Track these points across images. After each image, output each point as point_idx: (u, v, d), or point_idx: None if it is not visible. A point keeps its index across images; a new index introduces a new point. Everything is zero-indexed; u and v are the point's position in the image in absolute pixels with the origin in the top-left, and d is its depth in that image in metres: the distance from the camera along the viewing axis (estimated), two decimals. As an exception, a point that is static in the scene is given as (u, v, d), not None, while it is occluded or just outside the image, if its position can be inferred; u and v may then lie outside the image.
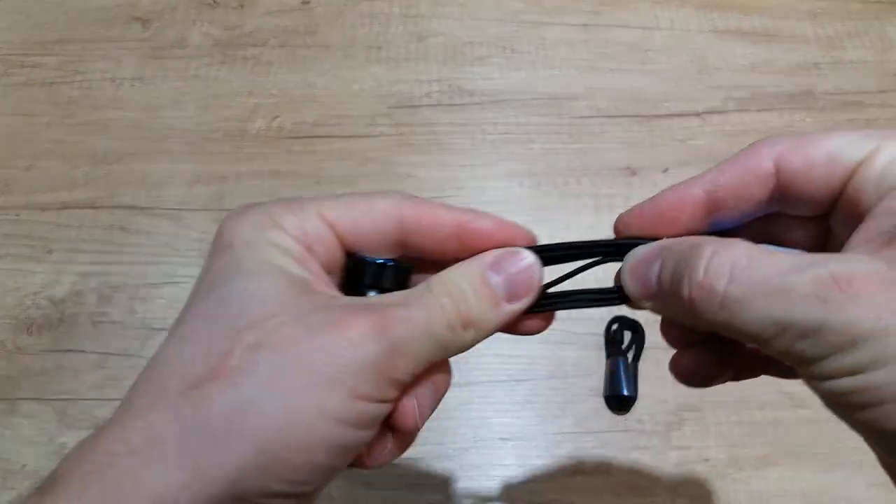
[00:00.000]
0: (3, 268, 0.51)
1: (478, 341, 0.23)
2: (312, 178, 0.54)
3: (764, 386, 0.47)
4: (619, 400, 0.46)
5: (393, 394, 0.21)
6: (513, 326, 0.24)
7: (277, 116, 0.57)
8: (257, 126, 0.57)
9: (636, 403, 0.46)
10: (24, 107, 0.58)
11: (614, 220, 0.24)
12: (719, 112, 0.58)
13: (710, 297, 0.19)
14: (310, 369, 0.19)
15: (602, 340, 0.48)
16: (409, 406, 0.22)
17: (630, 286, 0.23)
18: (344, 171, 0.55)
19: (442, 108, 0.58)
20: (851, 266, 0.18)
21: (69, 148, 0.56)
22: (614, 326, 0.49)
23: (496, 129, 0.57)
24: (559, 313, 0.25)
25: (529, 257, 0.23)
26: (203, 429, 0.18)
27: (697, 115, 0.58)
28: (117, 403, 0.20)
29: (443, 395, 0.24)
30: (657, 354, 0.48)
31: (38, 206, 0.53)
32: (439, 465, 0.44)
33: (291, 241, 0.22)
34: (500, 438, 0.45)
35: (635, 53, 0.61)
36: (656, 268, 0.22)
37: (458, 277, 0.22)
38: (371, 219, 0.23)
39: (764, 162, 0.22)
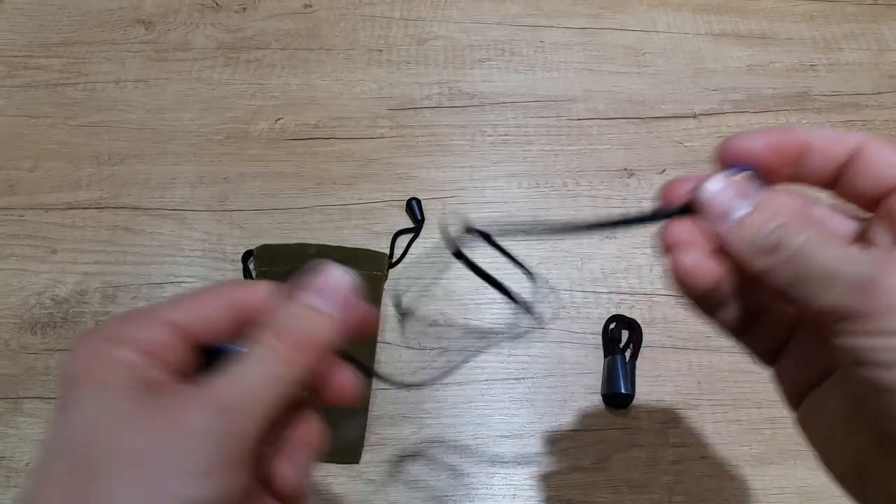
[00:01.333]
0: (7, 268, 0.51)
1: (323, 357, 0.23)
2: (314, 179, 0.55)
3: (761, 384, 0.47)
4: (617, 397, 0.47)
5: (245, 456, 0.21)
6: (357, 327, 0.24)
7: (280, 118, 0.58)
8: (260, 128, 0.57)
9: (634, 401, 0.47)
10: (28, 108, 0.58)
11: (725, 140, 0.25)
12: (716, 114, 0.59)
13: (783, 252, 0.21)
14: (149, 471, 0.19)
15: (600, 339, 0.49)
16: (282, 468, 0.23)
17: (720, 201, 0.23)
18: (345, 172, 0.55)
19: (442, 110, 0.58)
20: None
21: (73, 149, 0.56)
22: (612, 325, 0.49)
23: (495, 131, 0.58)
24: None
25: (328, 266, 0.24)
26: None
27: (694, 116, 0.59)
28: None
29: (319, 448, 0.24)
30: (654, 353, 0.49)
31: (43, 206, 0.54)
32: (439, 464, 0.45)
33: (130, 353, 0.22)
34: (500, 436, 0.46)
35: (633, 56, 0.62)
36: (746, 206, 0.23)
37: (276, 315, 0.23)
38: (210, 309, 0.24)
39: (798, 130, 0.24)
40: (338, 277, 0.24)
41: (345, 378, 0.25)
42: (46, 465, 0.20)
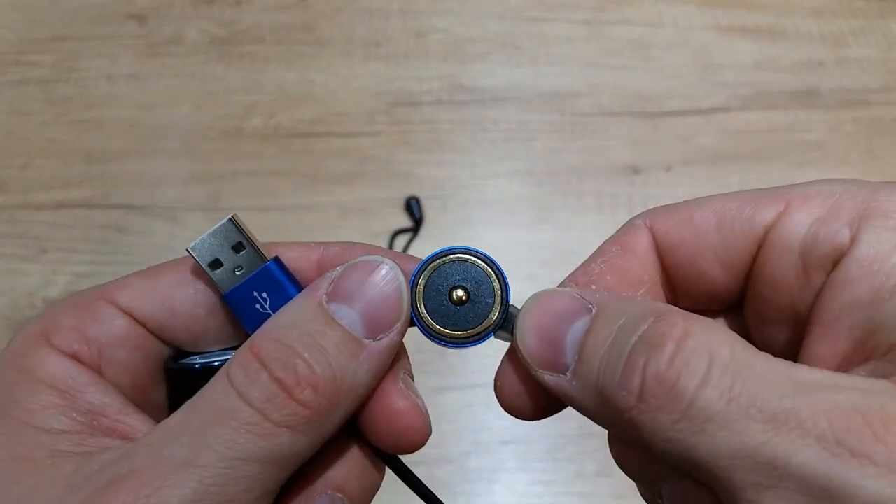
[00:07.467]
0: (-3, 268, 0.50)
1: (343, 420, 0.16)
2: (310, 176, 0.54)
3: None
4: (622, 402, 0.46)
5: None
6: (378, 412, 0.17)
7: (275, 114, 0.57)
8: (254, 124, 0.56)
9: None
10: (19, 105, 0.57)
11: (617, 220, 0.19)
12: (724, 110, 0.58)
13: (669, 403, 0.12)
14: None
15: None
16: None
17: (530, 348, 0.15)
18: (342, 169, 0.54)
19: (442, 106, 0.57)
20: (881, 399, 0.12)
21: (64, 147, 0.55)
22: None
23: (497, 127, 0.56)
24: None
25: (385, 264, 0.16)
26: None
27: (702, 112, 0.57)
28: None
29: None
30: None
31: (33, 205, 0.53)
32: (440, 469, 0.44)
33: (63, 364, 0.16)
34: (502, 441, 0.45)
35: (638, 50, 0.61)
36: (579, 328, 0.14)
37: (283, 330, 0.15)
38: (179, 291, 0.17)
39: (641, 236, 0.16)
40: (397, 282, 0.16)
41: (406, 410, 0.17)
42: None
